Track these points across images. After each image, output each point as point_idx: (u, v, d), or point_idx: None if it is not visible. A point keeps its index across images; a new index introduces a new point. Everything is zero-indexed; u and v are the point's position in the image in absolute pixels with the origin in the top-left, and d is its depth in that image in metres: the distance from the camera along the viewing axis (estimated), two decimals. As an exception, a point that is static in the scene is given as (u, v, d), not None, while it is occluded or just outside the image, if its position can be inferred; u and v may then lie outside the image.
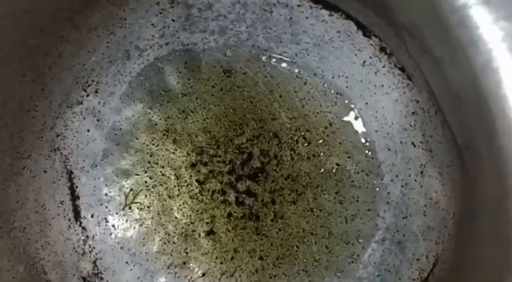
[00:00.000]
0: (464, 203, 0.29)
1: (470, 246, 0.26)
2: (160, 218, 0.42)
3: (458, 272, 0.29)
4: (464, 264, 0.28)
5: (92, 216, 0.42)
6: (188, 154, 0.41)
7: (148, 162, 0.42)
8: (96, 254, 0.42)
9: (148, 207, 0.42)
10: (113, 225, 0.42)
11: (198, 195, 0.41)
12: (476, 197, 0.25)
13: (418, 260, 0.36)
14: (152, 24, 0.40)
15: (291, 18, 0.38)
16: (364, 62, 0.37)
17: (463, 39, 0.18)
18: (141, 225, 0.42)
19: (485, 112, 0.18)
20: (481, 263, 0.22)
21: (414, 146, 0.36)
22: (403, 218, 0.37)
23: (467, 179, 0.27)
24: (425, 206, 0.36)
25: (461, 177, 0.29)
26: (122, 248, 0.42)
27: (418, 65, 0.29)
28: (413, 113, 0.35)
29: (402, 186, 0.37)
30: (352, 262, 0.39)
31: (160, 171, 0.42)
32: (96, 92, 0.42)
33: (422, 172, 0.36)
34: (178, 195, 0.42)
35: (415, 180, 0.36)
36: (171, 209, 0.42)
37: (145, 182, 0.42)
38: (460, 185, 0.30)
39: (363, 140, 0.38)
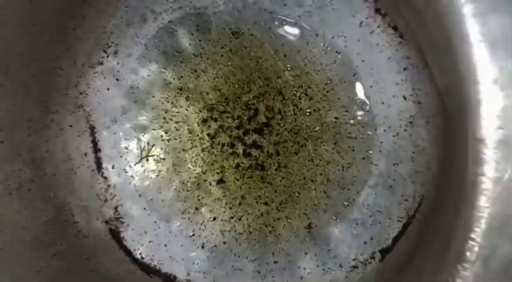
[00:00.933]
0: (445, 146, 0.33)
1: (448, 185, 0.29)
2: (175, 169, 0.46)
3: (439, 209, 0.32)
4: (444, 202, 0.31)
5: (113, 167, 0.46)
6: (200, 111, 0.45)
7: (164, 118, 0.45)
8: (117, 200, 0.45)
9: (163, 159, 0.46)
10: (132, 176, 0.46)
11: (209, 148, 0.45)
12: (455, 139, 0.28)
13: (406, 200, 0.40)
14: (167, -10, 0.43)
15: (294, -18, 0.40)
16: (361, 22, 0.40)
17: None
18: (158, 175, 0.46)
19: (452, 52, 0.21)
20: (453, 194, 0.26)
21: (405, 99, 0.39)
22: (394, 164, 0.40)
23: (449, 123, 0.31)
24: (413, 152, 0.39)
25: (445, 122, 0.33)
26: (140, 195, 0.46)
27: (408, 22, 0.32)
28: (404, 69, 0.38)
29: (394, 136, 0.40)
30: (348, 205, 0.42)
31: (175, 127, 0.45)
32: (116, 53, 0.45)
33: (411, 122, 0.39)
34: (191, 148, 0.45)
35: (405, 130, 0.40)
36: (185, 160, 0.45)
37: (161, 136, 0.45)
38: (443, 130, 0.33)
39: (360, 95, 0.41)
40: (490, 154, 0.20)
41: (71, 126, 0.44)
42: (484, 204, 0.21)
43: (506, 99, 0.20)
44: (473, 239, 0.21)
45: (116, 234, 0.45)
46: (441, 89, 0.29)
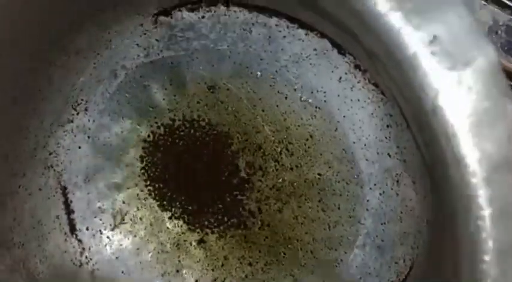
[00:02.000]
0: (434, 210, 0.31)
1: (438, 254, 0.28)
2: (153, 229, 0.44)
3: (431, 273, 0.31)
4: (436, 266, 0.30)
5: (87, 229, 0.44)
6: (177, 167, 0.43)
7: (139, 176, 0.44)
8: (93, 264, 0.43)
9: (140, 219, 0.44)
10: (108, 237, 0.44)
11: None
12: (441, 205, 0.27)
13: (396, 263, 0.38)
14: (137, 44, 0.42)
15: (269, 37, 0.39)
16: (340, 78, 0.38)
17: (401, 59, 0.20)
18: (135, 236, 0.44)
19: (424, 114, 0.20)
20: (446, 260, 0.25)
21: (390, 156, 0.38)
22: (382, 224, 0.39)
23: (435, 188, 0.29)
24: (401, 213, 0.38)
25: (431, 185, 0.31)
26: (117, 258, 0.44)
27: (384, 82, 0.31)
28: (387, 126, 0.37)
29: (380, 194, 0.39)
30: (336, 266, 0.41)
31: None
32: (86, 110, 0.43)
33: (398, 181, 0.38)
34: (169, 207, 0.43)
35: (392, 189, 0.38)
36: (163, 220, 0.44)
37: (137, 194, 0.44)
38: (431, 194, 0.32)
39: (342, 151, 0.40)
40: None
41: (40, 189, 0.42)
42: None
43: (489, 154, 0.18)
44: None
45: (92, 302, 0.43)
46: (422, 151, 0.27)
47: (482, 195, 0.18)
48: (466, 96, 0.19)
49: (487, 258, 0.18)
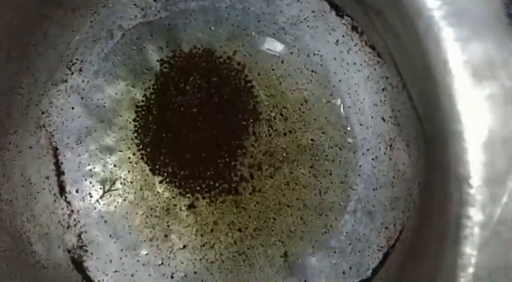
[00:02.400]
0: (426, 172, 0.31)
1: (429, 210, 0.28)
2: (143, 193, 0.43)
3: (421, 242, 0.31)
4: (426, 230, 0.29)
5: (77, 191, 0.43)
6: (170, 131, 0.43)
7: (131, 139, 0.43)
8: (81, 227, 0.43)
9: (131, 182, 0.43)
10: (97, 200, 0.43)
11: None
12: (436, 168, 0.26)
13: (386, 228, 0.38)
14: (134, 4, 0.41)
15: (268, -2, 0.39)
16: (338, 40, 0.38)
17: (409, 8, 0.19)
18: (124, 199, 0.43)
19: (431, 77, 0.19)
20: (433, 224, 0.24)
21: (384, 120, 0.37)
22: (373, 189, 0.39)
23: (429, 149, 0.29)
24: (393, 177, 0.37)
25: (425, 148, 0.31)
26: (105, 221, 0.43)
27: (385, 42, 0.31)
28: (383, 89, 0.37)
29: (373, 159, 0.38)
30: (326, 232, 0.40)
31: (143, 148, 0.43)
32: (81, 70, 0.43)
33: (391, 145, 0.37)
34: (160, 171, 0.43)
35: (385, 154, 0.38)
36: (153, 184, 0.43)
37: (129, 158, 0.43)
38: (424, 156, 0.32)
39: (337, 116, 0.40)
40: (475, 194, 0.18)
41: (31, 147, 0.42)
42: (470, 251, 0.18)
43: (490, 130, 0.18)
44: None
45: (78, 264, 0.42)
46: (420, 114, 0.27)
47: (473, 122, 0.18)
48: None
49: (474, 182, 0.18)
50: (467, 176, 0.18)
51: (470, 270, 0.18)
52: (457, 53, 0.18)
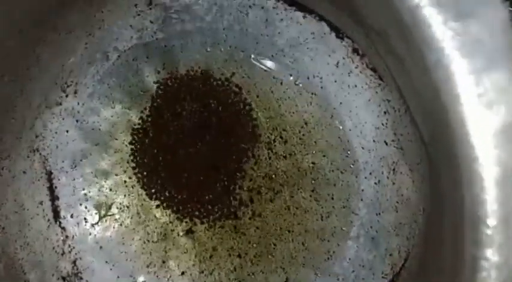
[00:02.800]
0: (432, 199, 0.30)
1: (437, 240, 0.27)
2: (140, 218, 0.42)
3: (427, 266, 0.30)
4: (432, 258, 0.29)
5: (72, 216, 0.42)
6: (167, 154, 0.42)
7: (127, 162, 0.42)
8: (76, 253, 0.42)
9: (127, 207, 0.42)
10: (92, 225, 0.42)
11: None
12: (440, 192, 0.26)
13: (390, 255, 0.37)
14: (130, 26, 0.41)
15: (266, 19, 0.38)
16: (338, 62, 0.37)
17: (417, 38, 0.19)
18: (121, 225, 0.42)
19: (440, 108, 0.19)
20: (444, 256, 0.23)
21: (386, 144, 0.37)
22: (377, 214, 0.38)
23: (434, 175, 0.28)
24: (397, 202, 0.36)
25: (429, 173, 0.30)
26: (101, 247, 0.42)
27: (387, 65, 0.30)
28: (385, 113, 0.36)
29: (375, 183, 0.38)
30: (328, 258, 0.39)
31: (140, 171, 0.42)
32: (75, 92, 0.42)
33: (394, 169, 0.36)
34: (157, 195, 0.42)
35: (388, 178, 0.37)
36: (150, 208, 0.42)
37: (125, 182, 0.42)
38: (428, 182, 0.31)
39: (338, 139, 0.39)
40: (493, 235, 0.17)
41: (24, 172, 0.41)
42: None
43: (507, 166, 0.17)
44: None
45: (73, 292, 0.41)
46: (425, 139, 0.26)
47: (487, 157, 0.17)
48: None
49: (491, 222, 0.17)
50: (485, 215, 0.17)
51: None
52: (471, 86, 0.17)
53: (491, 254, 0.17)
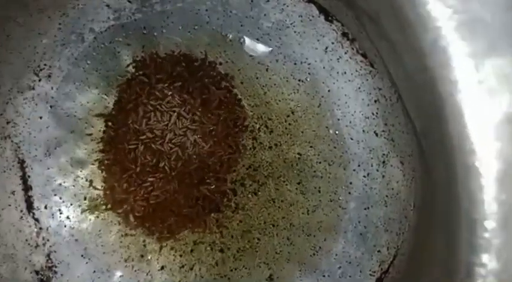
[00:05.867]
0: (423, 194, 0.28)
1: (428, 238, 0.25)
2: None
3: (417, 263, 0.28)
4: (422, 255, 0.27)
5: (46, 207, 0.41)
6: (147, 142, 0.40)
7: (104, 151, 0.40)
8: (50, 246, 0.40)
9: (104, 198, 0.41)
10: (68, 217, 0.41)
11: (157, 185, 0.40)
12: (433, 187, 0.24)
13: (379, 251, 0.35)
14: (107, 6, 0.39)
15: (251, 1, 0.36)
16: (327, 47, 0.36)
17: (412, 17, 0.17)
18: (97, 217, 0.41)
19: (435, 95, 0.17)
20: (435, 256, 0.22)
21: (376, 135, 0.35)
22: (365, 209, 0.36)
23: (426, 169, 0.26)
24: (386, 196, 0.35)
25: (421, 166, 0.28)
26: (76, 240, 0.41)
27: (378, 50, 0.28)
28: (375, 101, 0.34)
29: (364, 176, 0.36)
30: (314, 254, 0.38)
31: (118, 160, 0.40)
32: (49, 76, 0.40)
33: (384, 162, 0.35)
34: (136, 186, 0.40)
35: (377, 171, 0.36)
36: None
37: (101, 171, 0.40)
38: (420, 175, 0.29)
39: (325, 129, 0.37)
40: (491, 239, 0.15)
41: (-6, 160, 0.39)
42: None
43: (508, 162, 0.15)
44: None
45: (47, 287, 0.40)
46: (418, 129, 0.24)
47: (487, 151, 0.15)
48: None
49: (490, 225, 0.15)
50: (482, 217, 0.16)
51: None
52: (470, 72, 0.15)
53: (488, 260, 0.16)
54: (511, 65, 0.15)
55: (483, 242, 0.16)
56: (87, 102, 0.40)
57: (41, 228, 0.41)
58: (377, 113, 0.35)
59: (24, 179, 0.41)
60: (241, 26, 0.37)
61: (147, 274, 0.40)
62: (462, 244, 0.16)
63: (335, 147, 0.37)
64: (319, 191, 0.38)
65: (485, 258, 0.16)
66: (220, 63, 0.39)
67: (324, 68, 0.36)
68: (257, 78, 0.38)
